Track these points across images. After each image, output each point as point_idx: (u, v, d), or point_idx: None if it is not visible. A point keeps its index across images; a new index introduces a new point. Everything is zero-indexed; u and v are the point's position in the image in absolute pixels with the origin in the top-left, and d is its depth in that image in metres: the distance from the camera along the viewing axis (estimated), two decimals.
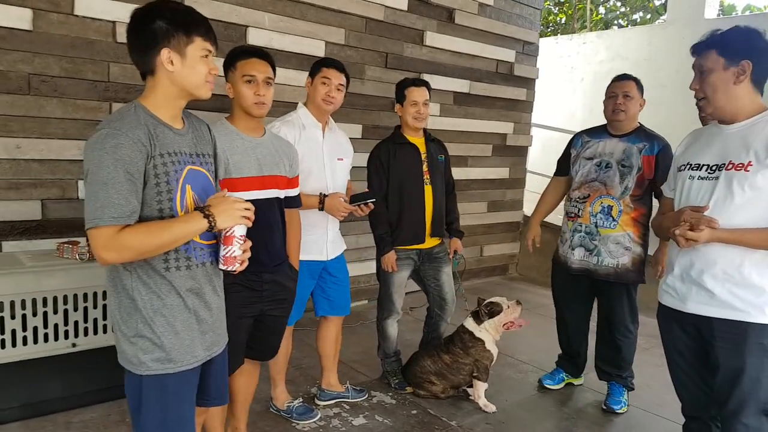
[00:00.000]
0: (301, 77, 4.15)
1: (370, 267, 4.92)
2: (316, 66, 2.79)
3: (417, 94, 3.13)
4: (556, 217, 3.86)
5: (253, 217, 1.64)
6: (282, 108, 3.33)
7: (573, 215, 3.17)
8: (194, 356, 1.65)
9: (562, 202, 3.43)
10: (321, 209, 2.72)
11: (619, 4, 14.80)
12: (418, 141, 3.24)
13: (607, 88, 3.14)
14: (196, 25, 1.58)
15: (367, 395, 3.18)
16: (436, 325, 3.42)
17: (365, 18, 4.60)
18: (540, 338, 4.07)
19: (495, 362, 3.21)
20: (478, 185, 5.74)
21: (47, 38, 3.23)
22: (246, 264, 1.68)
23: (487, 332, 3.17)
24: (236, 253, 1.61)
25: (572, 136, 3.36)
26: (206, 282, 1.69)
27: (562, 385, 3.47)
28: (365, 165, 4.67)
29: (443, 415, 3.05)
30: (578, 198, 3.14)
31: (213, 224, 1.55)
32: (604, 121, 3.19)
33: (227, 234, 1.60)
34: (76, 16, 3.28)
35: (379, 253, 3.23)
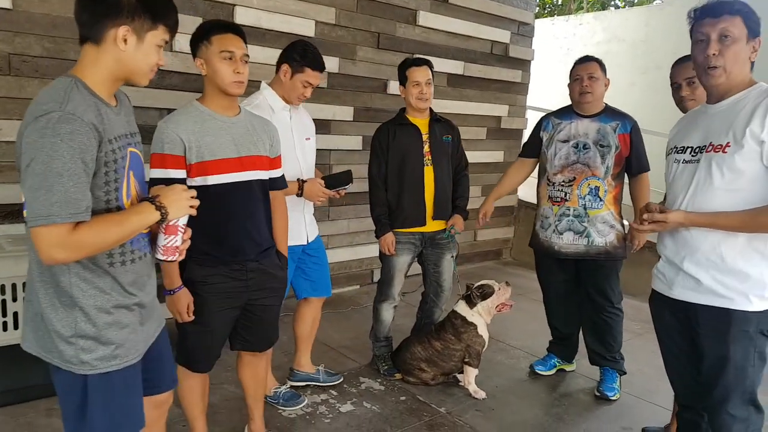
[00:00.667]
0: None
1: (362, 252, 4.89)
2: (299, 62, 2.61)
3: (418, 74, 3.07)
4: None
5: (196, 205, 1.57)
6: None
7: (559, 199, 3.14)
8: (137, 350, 1.59)
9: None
10: (300, 195, 2.66)
11: None
12: (421, 122, 3.17)
13: (571, 71, 3.14)
14: (167, 14, 1.49)
15: (341, 379, 3.14)
16: (430, 311, 3.38)
17: None
18: (532, 323, 4.05)
19: (486, 348, 3.18)
20: (472, 169, 5.51)
21: (28, 17, 3.14)
22: (183, 254, 1.61)
23: (480, 316, 3.14)
24: (178, 243, 1.56)
25: (539, 118, 3.35)
26: (146, 272, 1.62)
27: (554, 371, 3.45)
28: (356, 148, 4.66)
29: (432, 402, 3.03)
30: (563, 182, 3.12)
31: (165, 216, 1.48)
32: (600, 104, 3.14)
33: (171, 223, 1.53)
34: None
35: (376, 235, 3.18)
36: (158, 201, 1.48)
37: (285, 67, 2.65)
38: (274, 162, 2.28)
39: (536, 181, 3.36)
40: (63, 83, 1.40)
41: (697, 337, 1.91)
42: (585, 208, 3.07)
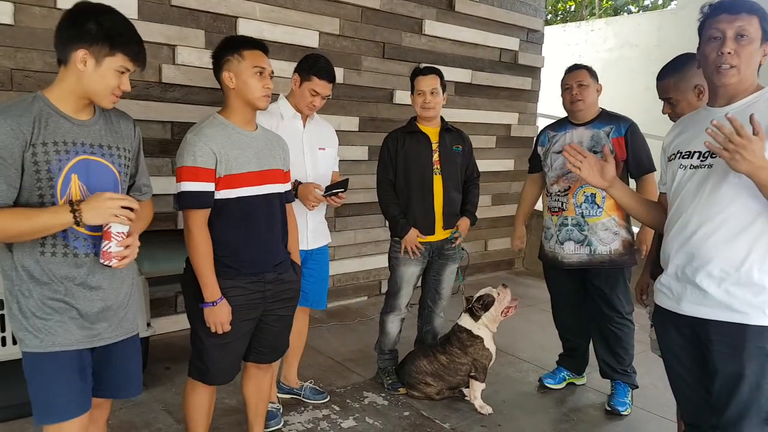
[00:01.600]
0: (293, 69, 4.05)
1: (369, 263, 4.84)
2: (307, 71, 2.69)
3: (423, 83, 3.05)
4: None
5: (133, 216, 1.62)
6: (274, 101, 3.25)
7: (557, 209, 3.12)
8: (67, 340, 1.67)
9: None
10: (294, 196, 2.64)
11: None
12: (432, 130, 3.14)
13: (561, 80, 3.14)
14: (125, 44, 1.63)
15: (327, 398, 3.06)
16: (429, 318, 3.34)
17: (361, 7, 4.48)
18: (542, 335, 3.95)
19: (493, 361, 3.10)
20: (482, 178, 5.46)
21: (30, 32, 3.16)
22: (128, 261, 1.68)
23: (486, 328, 3.07)
24: (112, 249, 1.62)
25: (537, 133, 3.30)
26: (99, 270, 1.71)
27: (563, 384, 3.36)
28: (362, 158, 4.63)
29: (437, 417, 2.95)
30: (559, 192, 3.10)
31: (78, 219, 1.56)
32: (594, 111, 3.09)
33: (105, 229, 1.62)
34: (59, 9, 3.19)
35: (396, 236, 3.12)
36: (77, 204, 1.58)
37: (296, 76, 2.74)
38: (287, 175, 2.32)
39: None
40: (25, 96, 1.64)
41: (708, 353, 1.80)
42: (583, 216, 3.02)
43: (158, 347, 3.51)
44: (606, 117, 3.07)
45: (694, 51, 2.43)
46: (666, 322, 1.94)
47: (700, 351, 1.84)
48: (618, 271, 3.06)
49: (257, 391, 2.41)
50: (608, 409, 3.07)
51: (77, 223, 1.57)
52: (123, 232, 1.63)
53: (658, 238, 2.51)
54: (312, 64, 2.70)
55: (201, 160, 2.01)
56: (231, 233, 2.08)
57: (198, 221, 2.05)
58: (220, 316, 2.06)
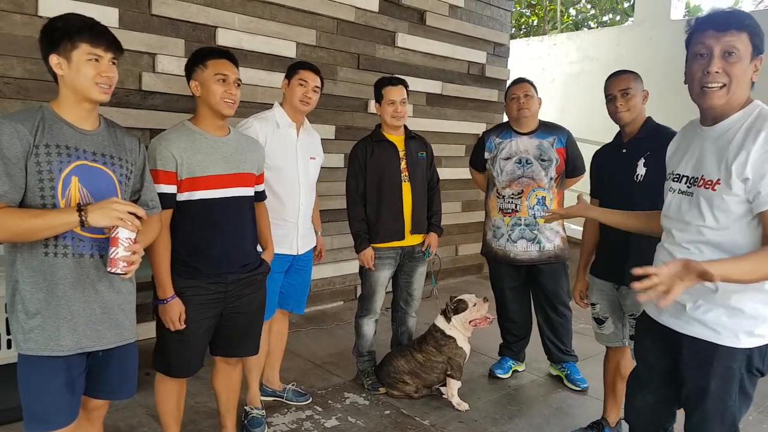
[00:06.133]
0: (271, 78, 4.14)
1: (345, 268, 4.93)
2: (292, 69, 2.85)
3: (394, 93, 3.16)
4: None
5: (138, 224, 1.67)
6: (254, 109, 3.31)
7: (510, 211, 3.40)
8: (59, 345, 1.71)
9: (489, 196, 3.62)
10: None
11: (589, 6, 15.02)
12: (397, 139, 3.26)
13: (507, 91, 3.45)
14: (79, 32, 1.67)
15: (309, 400, 3.14)
16: (403, 319, 3.46)
17: (336, 19, 4.60)
18: None
19: (468, 360, 3.24)
20: (452, 185, 5.77)
21: (11, 39, 3.17)
22: (134, 269, 1.71)
23: (457, 330, 3.19)
24: (119, 254, 1.65)
25: (480, 135, 3.63)
26: (100, 276, 1.76)
27: (510, 373, 3.64)
28: (339, 166, 4.73)
29: (416, 415, 3.07)
30: (512, 194, 3.38)
31: (84, 220, 1.61)
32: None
33: (112, 236, 1.65)
34: (40, 17, 3.22)
35: (356, 250, 3.23)
36: (84, 206, 1.64)
37: (284, 81, 2.85)
38: (259, 178, 2.45)
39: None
40: (29, 107, 1.80)
41: (679, 364, 1.81)
42: (535, 217, 3.35)
43: (138, 353, 3.51)
44: (546, 128, 3.41)
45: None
46: (646, 328, 1.96)
47: (673, 362, 1.85)
48: (561, 264, 3.46)
49: (227, 384, 2.51)
50: (572, 386, 3.43)
51: (82, 224, 1.62)
52: (130, 238, 1.66)
53: (594, 235, 2.79)
54: (295, 64, 2.88)
55: (161, 163, 2.13)
56: (194, 234, 2.19)
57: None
58: (170, 314, 2.15)
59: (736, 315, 1.67)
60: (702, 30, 1.65)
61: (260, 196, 2.51)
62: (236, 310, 2.32)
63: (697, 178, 1.73)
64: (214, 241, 2.22)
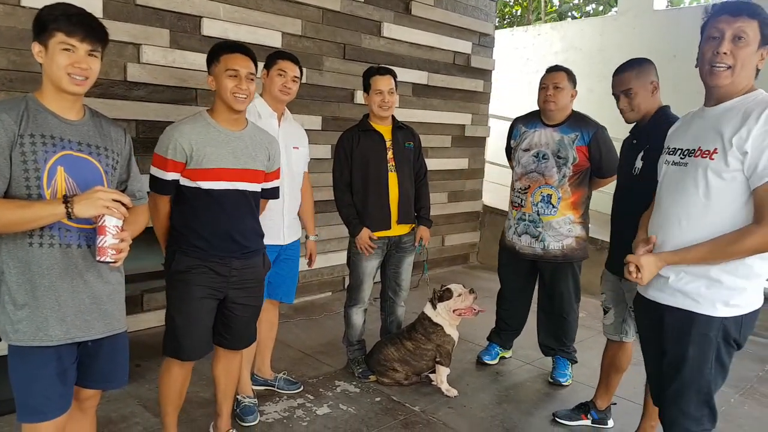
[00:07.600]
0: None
1: (333, 259, 4.95)
2: (271, 58, 2.85)
3: (381, 82, 3.16)
4: (505, 202, 4.01)
5: (124, 211, 1.68)
6: None
7: (517, 205, 3.36)
8: (48, 335, 1.71)
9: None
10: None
11: None
12: (385, 128, 3.26)
13: (541, 79, 3.25)
14: (58, 21, 1.66)
15: (300, 388, 3.17)
16: (392, 309, 3.48)
17: (322, 9, 4.59)
18: None
19: (456, 347, 3.28)
20: (439, 176, 5.80)
21: None
22: (123, 257, 1.73)
23: (442, 317, 3.24)
24: (107, 243, 1.66)
25: (510, 124, 3.49)
26: (88, 266, 1.76)
27: (497, 359, 3.67)
28: (326, 157, 4.73)
29: (406, 402, 3.11)
30: (520, 189, 3.33)
31: (70, 210, 1.61)
32: (565, 113, 3.26)
33: (99, 224, 1.66)
34: (23, 7, 3.17)
35: (350, 236, 3.24)
36: (70, 197, 1.63)
37: (263, 71, 2.84)
38: (270, 176, 2.48)
39: (498, 186, 3.54)
40: (13, 97, 1.77)
41: (661, 334, 1.92)
42: (538, 214, 3.26)
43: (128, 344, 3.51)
44: (574, 122, 3.20)
45: (635, 55, 2.67)
46: (639, 305, 2.11)
47: (661, 333, 1.95)
48: (569, 264, 3.30)
49: (226, 372, 2.53)
50: (551, 381, 3.39)
51: (69, 215, 1.61)
52: (117, 226, 1.67)
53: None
54: (273, 54, 2.88)
55: (171, 153, 2.21)
56: (201, 220, 2.27)
57: (158, 202, 2.30)
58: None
59: (715, 285, 1.79)
60: (717, 15, 1.79)
61: (270, 194, 2.54)
62: (239, 301, 2.37)
63: (694, 149, 1.84)
64: (219, 227, 2.28)
